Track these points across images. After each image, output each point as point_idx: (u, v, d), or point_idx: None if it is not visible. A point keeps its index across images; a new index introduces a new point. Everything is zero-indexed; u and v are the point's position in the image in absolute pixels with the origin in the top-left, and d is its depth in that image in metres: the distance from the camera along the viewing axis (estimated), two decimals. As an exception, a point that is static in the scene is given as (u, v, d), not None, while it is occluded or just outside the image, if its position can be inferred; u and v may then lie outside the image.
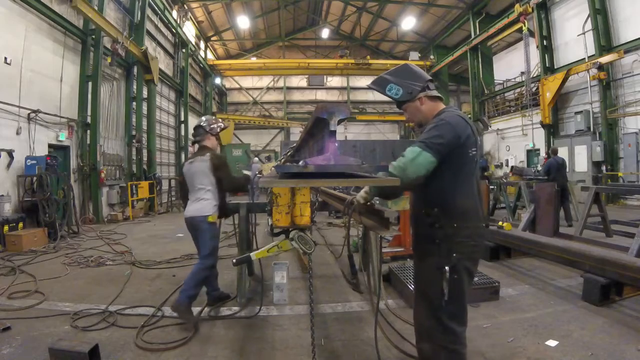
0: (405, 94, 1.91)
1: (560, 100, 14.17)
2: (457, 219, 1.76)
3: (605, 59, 11.68)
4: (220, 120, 3.60)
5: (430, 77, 1.97)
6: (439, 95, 1.96)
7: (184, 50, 18.43)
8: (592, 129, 12.73)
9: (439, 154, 1.70)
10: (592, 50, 12.39)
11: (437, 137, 1.71)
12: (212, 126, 3.51)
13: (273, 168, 3.96)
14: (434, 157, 1.69)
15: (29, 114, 7.99)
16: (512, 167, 10.42)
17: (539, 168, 9.74)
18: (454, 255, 1.74)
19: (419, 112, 1.93)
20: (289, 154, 3.67)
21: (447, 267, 1.72)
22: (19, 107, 7.72)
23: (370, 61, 23.36)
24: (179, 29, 17.59)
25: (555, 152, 9.04)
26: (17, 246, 6.31)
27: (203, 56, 22.13)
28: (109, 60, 10.78)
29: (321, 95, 26.22)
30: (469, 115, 19.44)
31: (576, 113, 13.35)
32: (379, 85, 1.97)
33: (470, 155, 1.78)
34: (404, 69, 1.97)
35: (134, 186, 11.67)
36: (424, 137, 1.75)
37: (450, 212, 1.77)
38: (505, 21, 15.73)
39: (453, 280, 1.73)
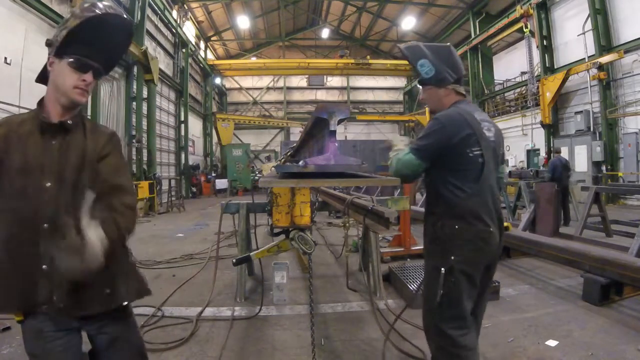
0: (435, 77, 1.78)
1: (560, 100, 14.16)
2: (459, 220, 1.68)
3: (605, 59, 11.68)
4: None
5: (464, 73, 1.86)
6: (464, 93, 1.85)
7: (184, 50, 18.44)
8: (592, 129, 12.73)
9: (424, 157, 1.69)
10: (592, 50, 12.39)
11: (423, 139, 1.71)
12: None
13: (273, 168, 3.96)
14: (418, 159, 1.68)
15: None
16: (510, 172, 10.33)
17: (543, 169, 9.72)
18: (452, 257, 1.67)
19: (439, 100, 1.83)
20: (289, 154, 3.67)
21: (442, 269, 1.66)
22: (19, 107, 7.71)
23: (370, 61, 23.39)
24: (179, 29, 17.60)
25: (558, 151, 9.07)
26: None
27: (203, 56, 22.15)
28: (109, 60, 10.77)
29: (321, 95, 26.25)
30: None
31: (576, 113, 13.35)
32: (413, 53, 1.81)
33: (470, 156, 1.68)
34: (446, 52, 1.82)
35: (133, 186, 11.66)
36: (418, 137, 1.75)
37: (453, 212, 1.70)
38: (505, 21, 15.73)
39: (449, 283, 1.66)
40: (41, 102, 1.32)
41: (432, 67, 1.77)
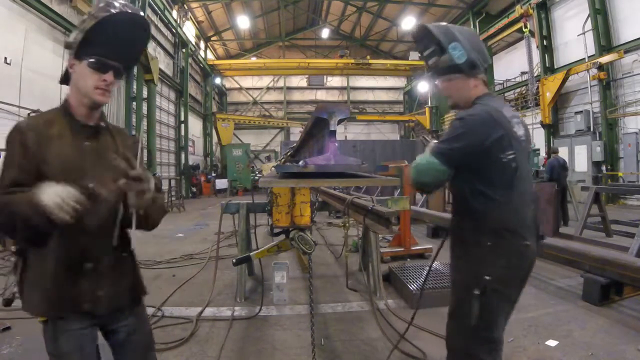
0: (466, 64, 1.54)
1: (560, 100, 14.16)
2: (491, 236, 1.50)
3: (605, 59, 11.68)
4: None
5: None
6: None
7: (184, 50, 18.45)
8: (592, 129, 12.73)
9: (450, 163, 1.47)
10: (592, 50, 12.39)
11: (448, 142, 1.49)
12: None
13: (273, 168, 3.96)
14: (443, 165, 1.47)
15: (29, 114, 7.97)
16: None
17: (543, 169, 9.77)
18: (485, 277, 1.48)
19: (466, 92, 1.60)
20: (289, 154, 3.66)
21: (476, 291, 1.48)
22: (19, 107, 7.72)
23: (370, 61, 23.39)
24: (179, 29, 17.60)
25: (555, 152, 9.08)
26: (17, 246, 6.30)
27: (203, 56, 22.16)
28: (109, 60, 10.80)
29: (321, 95, 26.26)
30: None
31: (576, 113, 13.35)
32: (444, 34, 1.55)
33: (504, 161, 1.47)
34: (475, 36, 1.61)
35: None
36: (440, 139, 1.54)
37: (484, 226, 1.51)
38: (505, 21, 15.73)
39: (482, 305, 1.49)
40: (66, 103, 1.32)
41: (464, 52, 1.53)
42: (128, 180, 1.14)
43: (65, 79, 1.33)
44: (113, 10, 1.22)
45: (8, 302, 1.31)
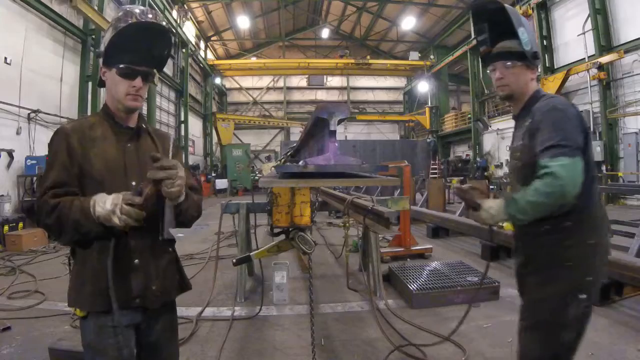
0: (531, 52, 1.47)
1: (560, 100, 14.17)
2: (592, 234, 1.42)
3: (605, 59, 11.67)
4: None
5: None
6: None
7: (183, 50, 18.45)
8: (592, 129, 12.73)
9: (583, 156, 1.34)
10: (592, 50, 12.39)
11: (577, 136, 1.35)
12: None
13: (273, 168, 3.96)
14: (582, 160, 1.33)
15: (29, 114, 7.99)
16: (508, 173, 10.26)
17: None
18: (588, 279, 1.41)
19: (524, 82, 1.52)
20: (289, 154, 3.66)
21: (582, 295, 1.40)
22: (19, 107, 7.71)
23: (370, 61, 23.41)
24: (178, 29, 17.60)
25: None
26: (17, 246, 6.30)
27: (203, 56, 22.16)
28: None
29: (321, 95, 26.27)
30: (469, 116, 19.51)
31: (576, 113, 13.36)
32: (515, 17, 1.48)
33: (593, 152, 1.47)
34: (531, 29, 1.55)
35: (134, 186, 11.65)
36: (559, 137, 1.33)
37: (585, 225, 1.42)
38: (505, 21, 15.75)
39: (585, 308, 1.41)
40: (106, 107, 1.37)
41: (529, 39, 1.46)
42: (155, 169, 1.13)
43: (102, 83, 1.39)
44: (131, 20, 1.25)
45: None
